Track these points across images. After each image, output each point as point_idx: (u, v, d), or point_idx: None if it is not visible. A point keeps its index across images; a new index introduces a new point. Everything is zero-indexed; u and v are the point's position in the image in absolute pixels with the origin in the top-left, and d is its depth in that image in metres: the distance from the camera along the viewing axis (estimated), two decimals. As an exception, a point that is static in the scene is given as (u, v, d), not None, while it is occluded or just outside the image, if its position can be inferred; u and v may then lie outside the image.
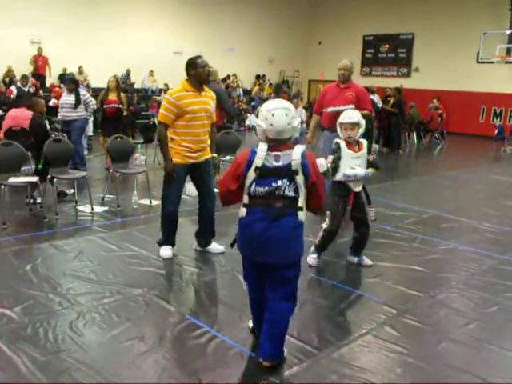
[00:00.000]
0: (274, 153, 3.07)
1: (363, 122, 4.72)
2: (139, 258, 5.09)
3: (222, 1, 20.42)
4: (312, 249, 4.99)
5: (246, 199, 3.15)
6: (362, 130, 4.72)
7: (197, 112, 4.80)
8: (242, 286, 4.46)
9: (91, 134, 12.50)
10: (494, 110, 19.09)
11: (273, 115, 3.06)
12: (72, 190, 7.22)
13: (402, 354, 3.51)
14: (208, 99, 4.95)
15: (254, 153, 3.10)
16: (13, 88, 11.15)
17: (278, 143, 3.10)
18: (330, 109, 6.52)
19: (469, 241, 6.11)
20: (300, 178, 3.09)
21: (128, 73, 18.08)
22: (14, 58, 15.47)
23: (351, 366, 3.33)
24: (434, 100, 17.98)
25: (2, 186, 6.22)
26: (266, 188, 3.07)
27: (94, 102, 9.75)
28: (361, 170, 4.69)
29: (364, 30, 22.31)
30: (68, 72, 16.65)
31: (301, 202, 3.13)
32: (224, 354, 3.41)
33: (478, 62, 18.24)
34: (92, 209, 6.78)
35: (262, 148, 3.08)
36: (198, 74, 4.80)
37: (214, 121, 5.12)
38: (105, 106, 9.48)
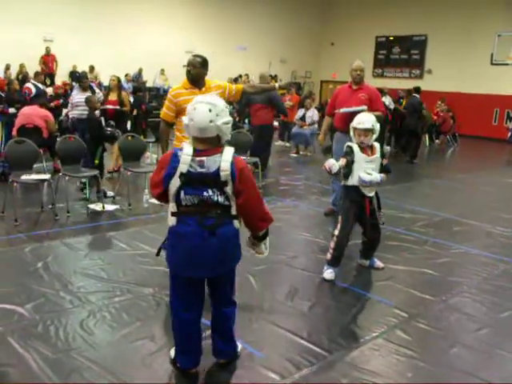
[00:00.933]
0: (198, 158, 2.81)
1: (377, 127, 4.66)
2: (150, 256, 5.07)
3: (235, 0, 20.45)
4: (325, 267, 4.82)
5: (173, 207, 2.89)
6: (375, 136, 4.66)
7: None
8: (254, 287, 4.47)
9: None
10: (508, 112, 18.94)
11: (194, 109, 2.85)
12: (112, 193, 7.28)
13: (413, 358, 3.48)
14: (209, 92, 4.81)
15: (175, 156, 2.84)
16: (31, 86, 11.12)
17: (203, 145, 2.85)
18: (343, 109, 6.49)
19: (481, 245, 6.06)
20: (229, 188, 2.85)
21: (140, 72, 18.13)
22: (27, 55, 15.57)
23: (362, 369, 3.31)
24: (439, 102, 17.73)
25: (14, 184, 6.25)
26: (197, 197, 2.84)
27: None
28: (377, 176, 4.64)
29: (376, 31, 22.23)
30: (78, 69, 16.77)
31: (234, 211, 2.92)
32: (234, 355, 3.41)
33: (492, 64, 18.11)
34: (103, 207, 6.80)
35: (187, 151, 2.82)
36: (186, 72, 4.80)
37: (241, 88, 5.09)
38: (102, 107, 8.89)
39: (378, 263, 5.08)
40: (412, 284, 4.75)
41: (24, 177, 6.25)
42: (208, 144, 2.87)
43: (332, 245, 4.77)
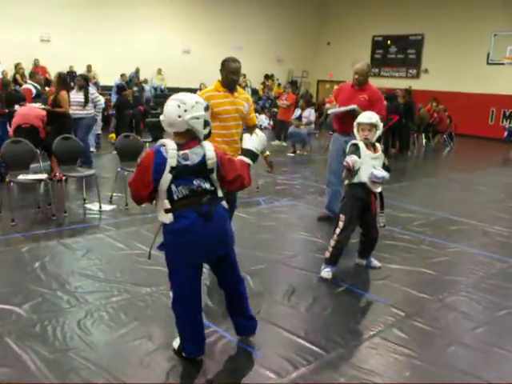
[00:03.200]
0: (182, 152, 2.99)
1: (381, 125, 4.68)
2: (147, 256, 5.07)
3: (231, 0, 20.45)
4: (323, 266, 4.83)
5: (166, 204, 3.01)
6: (379, 133, 4.68)
7: (230, 112, 4.66)
8: (251, 287, 4.47)
9: (99, 132, 12.54)
10: (504, 112, 18.99)
11: (166, 105, 3.05)
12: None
13: (411, 357, 3.49)
14: (241, 100, 4.76)
15: (158, 153, 2.98)
16: (30, 87, 10.99)
17: (182, 139, 3.03)
18: (331, 110, 6.51)
19: (478, 244, 6.08)
20: (214, 175, 3.10)
21: (137, 71, 18.09)
22: (24, 55, 15.52)
23: (359, 368, 3.32)
24: (430, 102, 17.71)
25: (11, 183, 6.24)
26: (187, 187, 3.01)
27: (102, 100, 9.73)
28: (386, 173, 4.66)
29: (373, 31, 22.27)
30: (74, 70, 16.71)
31: (220, 193, 3.16)
32: (232, 353, 3.41)
33: (488, 64, 18.16)
34: (100, 207, 6.80)
35: (172, 146, 2.99)
36: (225, 75, 4.64)
37: (253, 123, 4.95)
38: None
39: (375, 263, 5.09)
40: (409, 283, 4.76)
41: (21, 177, 6.24)
42: (185, 138, 3.04)
43: (332, 243, 4.76)
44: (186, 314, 3.21)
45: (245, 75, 21.04)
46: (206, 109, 3.09)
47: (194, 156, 3.01)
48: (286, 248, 5.60)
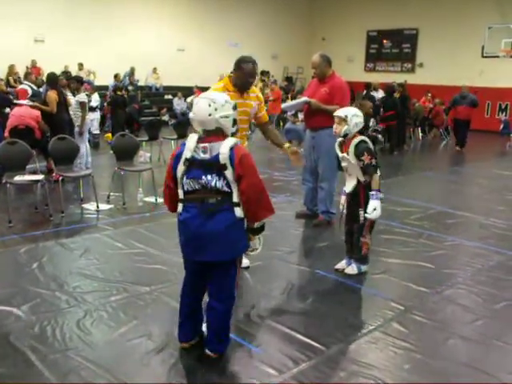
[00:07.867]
0: (202, 144, 3.02)
1: (355, 120, 4.43)
2: (145, 255, 5.08)
3: (225, -3, 20.44)
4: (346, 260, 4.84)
5: (181, 194, 3.11)
6: (348, 128, 4.43)
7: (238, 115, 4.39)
8: (250, 283, 4.47)
9: (97, 131, 12.49)
10: (500, 104, 19.00)
11: (196, 104, 3.09)
12: None
13: (410, 350, 3.50)
14: (250, 100, 4.45)
15: (183, 145, 3.10)
16: (26, 87, 10.87)
17: (207, 135, 3.07)
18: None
19: (476, 236, 6.09)
20: (229, 173, 2.99)
21: (132, 70, 18.02)
22: (17, 55, 15.45)
23: (359, 362, 3.32)
24: (429, 94, 17.82)
25: (8, 185, 6.23)
26: (196, 181, 3.03)
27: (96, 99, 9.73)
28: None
29: (368, 26, 22.23)
30: (69, 69, 16.67)
31: (235, 197, 3.04)
32: (232, 351, 3.40)
33: (483, 57, 18.14)
34: (97, 206, 6.78)
35: (193, 138, 3.07)
36: (240, 77, 4.32)
37: (265, 120, 4.73)
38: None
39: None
40: (407, 277, 4.77)
41: (17, 178, 6.22)
42: (211, 133, 3.08)
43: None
44: (181, 302, 3.34)
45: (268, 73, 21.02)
46: (234, 108, 3.15)
47: (213, 150, 3.02)
48: (283, 244, 5.60)
